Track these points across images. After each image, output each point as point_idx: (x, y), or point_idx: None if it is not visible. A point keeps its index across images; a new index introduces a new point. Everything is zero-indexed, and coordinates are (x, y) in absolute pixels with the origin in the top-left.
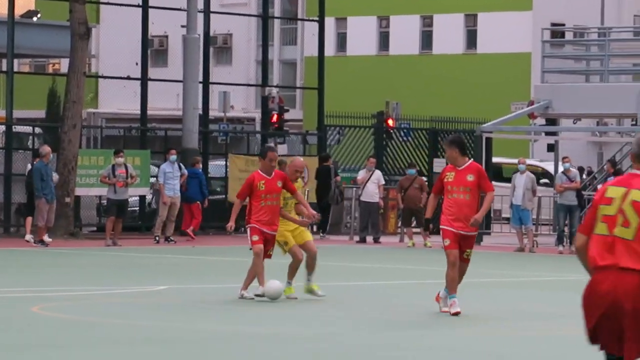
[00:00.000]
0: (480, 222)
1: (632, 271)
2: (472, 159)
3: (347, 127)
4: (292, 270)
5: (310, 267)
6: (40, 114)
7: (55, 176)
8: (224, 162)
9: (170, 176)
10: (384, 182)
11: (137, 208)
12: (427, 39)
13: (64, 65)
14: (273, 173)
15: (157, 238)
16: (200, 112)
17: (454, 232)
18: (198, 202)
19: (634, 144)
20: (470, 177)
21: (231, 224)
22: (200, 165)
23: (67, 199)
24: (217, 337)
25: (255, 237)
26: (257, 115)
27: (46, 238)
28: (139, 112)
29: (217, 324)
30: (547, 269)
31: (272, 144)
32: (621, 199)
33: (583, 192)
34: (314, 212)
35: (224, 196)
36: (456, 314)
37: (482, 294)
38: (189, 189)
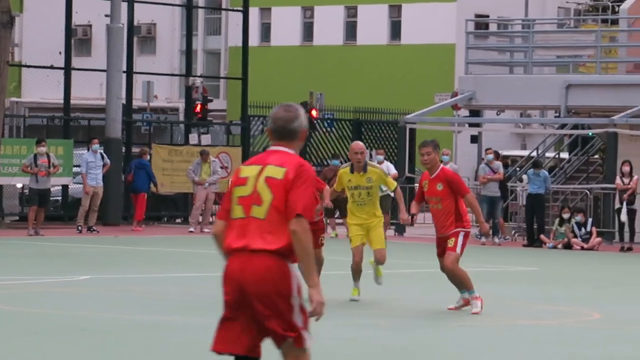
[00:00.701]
0: (488, 231)
1: (262, 252)
2: (442, 164)
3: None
4: (354, 273)
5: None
6: None
7: None
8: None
9: (93, 166)
10: None
11: (60, 197)
12: (351, 30)
13: None
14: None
15: (79, 228)
16: (124, 101)
17: (438, 238)
18: (145, 192)
19: (270, 120)
20: (439, 187)
21: None
22: (148, 156)
23: None
24: (140, 327)
25: None
26: (181, 105)
27: None
28: (62, 101)
29: (140, 313)
30: (469, 260)
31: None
32: (255, 178)
33: (507, 184)
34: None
35: None
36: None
37: (406, 284)
38: (136, 180)
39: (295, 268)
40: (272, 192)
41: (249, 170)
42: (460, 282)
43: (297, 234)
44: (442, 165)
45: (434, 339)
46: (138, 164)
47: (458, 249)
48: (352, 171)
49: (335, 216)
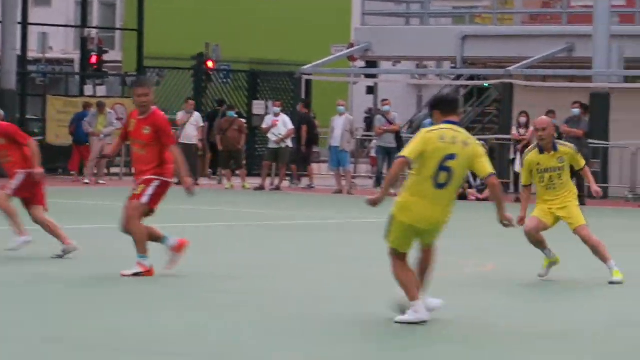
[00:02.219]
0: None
1: None
2: (155, 107)
3: (167, 69)
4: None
5: (602, 256)
6: None
7: None
8: (42, 103)
9: None
10: (202, 124)
11: None
12: None
13: None
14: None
15: None
16: (19, 53)
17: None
18: (86, 144)
19: None
20: (146, 130)
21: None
22: (92, 109)
23: None
24: (25, 278)
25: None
26: (76, 56)
27: None
28: None
29: (28, 265)
30: (364, 211)
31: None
32: None
33: (402, 135)
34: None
35: (42, 137)
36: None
37: (299, 236)
38: (78, 132)
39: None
40: None
41: None
42: (139, 241)
43: None
44: (154, 107)
45: (320, 287)
46: (80, 116)
47: (144, 198)
48: (541, 152)
49: (231, 167)
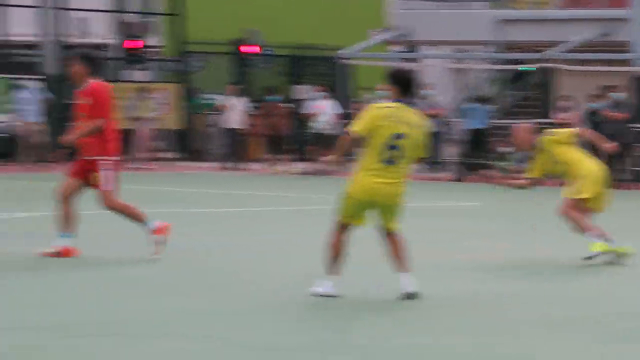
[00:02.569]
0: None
1: None
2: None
3: (209, 54)
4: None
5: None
6: None
7: None
8: None
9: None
10: (247, 109)
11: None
12: None
13: None
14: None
15: None
16: (61, 38)
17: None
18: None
19: None
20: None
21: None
22: None
23: None
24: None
25: None
26: (116, 41)
27: None
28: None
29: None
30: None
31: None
32: None
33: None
34: None
35: None
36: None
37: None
38: None
39: None
40: None
41: None
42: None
43: None
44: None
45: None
46: None
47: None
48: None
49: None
